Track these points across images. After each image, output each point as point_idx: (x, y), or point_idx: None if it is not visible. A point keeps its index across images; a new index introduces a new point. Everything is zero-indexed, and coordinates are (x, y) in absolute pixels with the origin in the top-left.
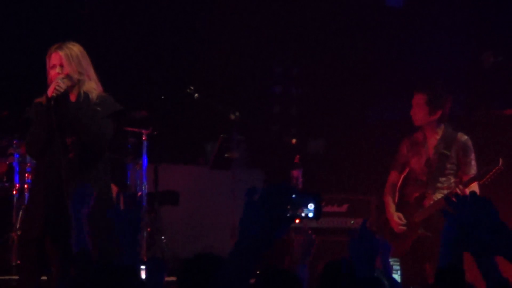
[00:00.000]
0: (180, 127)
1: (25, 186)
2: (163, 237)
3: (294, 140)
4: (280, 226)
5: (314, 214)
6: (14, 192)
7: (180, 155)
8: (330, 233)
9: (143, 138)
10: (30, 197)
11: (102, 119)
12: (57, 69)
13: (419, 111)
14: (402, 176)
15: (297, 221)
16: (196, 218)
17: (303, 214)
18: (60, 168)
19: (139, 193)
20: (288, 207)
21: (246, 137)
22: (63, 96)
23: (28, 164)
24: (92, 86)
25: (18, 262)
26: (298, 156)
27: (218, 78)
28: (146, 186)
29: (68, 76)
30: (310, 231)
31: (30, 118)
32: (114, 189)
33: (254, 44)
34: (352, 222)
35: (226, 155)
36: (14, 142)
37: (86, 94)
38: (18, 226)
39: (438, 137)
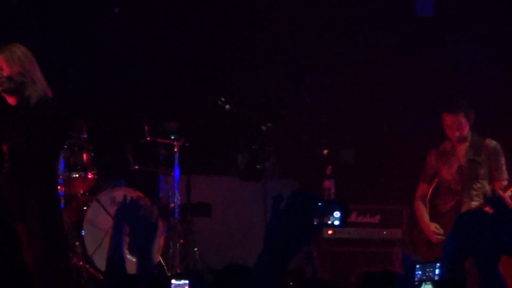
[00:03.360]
0: (212, 138)
1: None
2: (196, 249)
3: (325, 151)
4: (306, 234)
5: (340, 222)
6: None
7: (212, 166)
8: (362, 244)
9: (175, 150)
10: None
11: (40, 124)
12: None
13: (461, 130)
14: (431, 187)
15: (329, 232)
16: (228, 229)
17: (329, 222)
18: None
19: (172, 205)
20: (314, 215)
21: (278, 148)
22: None
23: (61, 177)
24: (36, 89)
25: None
26: (329, 166)
27: (249, 89)
28: (179, 197)
29: (8, 80)
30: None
31: None
32: (147, 201)
33: (285, 55)
34: (384, 232)
35: (257, 166)
36: None
37: (27, 98)
38: None
39: (467, 144)
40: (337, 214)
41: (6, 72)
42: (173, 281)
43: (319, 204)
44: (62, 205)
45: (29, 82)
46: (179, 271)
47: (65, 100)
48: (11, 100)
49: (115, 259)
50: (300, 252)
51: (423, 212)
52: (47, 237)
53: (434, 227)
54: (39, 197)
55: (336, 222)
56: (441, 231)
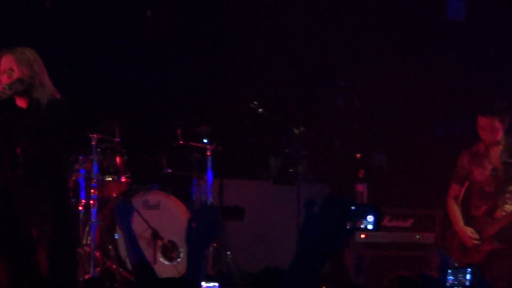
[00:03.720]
0: (245, 142)
1: (91, 202)
2: (229, 252)
3: (358, 155)
4: (339, 238)
5: (374, 226)
6: (80, 208)
7: (244, 170)
8: (395, 248)
9: (208, 154)
10: None
11: (53, 126)
12: (7, 74)
13: (494, 134)
14: (463, 189)
15: (362, 236)
16: (261, 233)
17: (362, 226)
18: (7, 182)
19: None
20: (347, 219)
21: (310, 152)
22: (7, 103)
23: (94, 180)
24: (45, 92)
25: (86, 277)
26: (362, 170)
27: (282, 93)
28: (211, 201)
29: (19, 81)
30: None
31: None
32: (181, 205)
33: (318, 58)
34: (417, 236)
35: (290, 169)
36: (80, 158)
37: (37, 101)
38: (84, 241)
39: (501, 147)
40: (370, 218)
41: (16, 74)
42: (203, 283)
43: (353, 208)
44: (95, 209)
45: (38, 84)
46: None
47: (99, 103)
48: (21, 103)
49: (143, 264)
50: (333, 256)
51: (458, 215)
52: (59, 240)
53: (470, 231)
54: (51, 200)
55: (370, 226)
56: (477, 236)
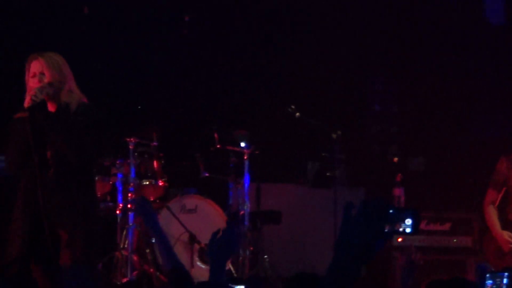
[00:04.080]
0: (282, 146)
1: (128, 205)
2: (265, 256)
3: (395, 159)
4: (377, 241)
5: (412, 230)
6: (118, 212)
7: (281, 174)
8: (433, 252)
9: (245, 158)
10: (12, 215)
11: (82, 130)
12: (38, 78)
13: None
14: (500, 195)
15: (399, 239)
16: (298, 236)
17: (400, 229)
18: (38, 184)
19: (241, 212)
20: (386, 222)
21: (347, 156)
22: (39, 107)
23: (131, 184)
24: (73, 97)
25: (123, 281)
26: (399, 174)
27: (319, 97)
28: (248, 205)
29: (49, 85)
30: (413, 251)
31: (9, 133)
32: (218, 209)
33: (355, 62)
34: (454, 240)
35: (327, 173)
36: (117, 162)
37: (66, 104)
38: (122, 245)
39: None
40: (408, 221)
41: (47, 78)
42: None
43: (391, 211)
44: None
45: (67, 89)
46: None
47: (136, 108)
48: (50, 107)
49: (178, 269)
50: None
51: (495, 219)
52: (85, 243)
53: (507, 235)
54: (79, 203)
55: (408, 230)
56: None
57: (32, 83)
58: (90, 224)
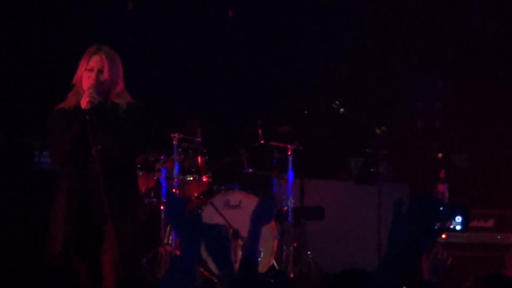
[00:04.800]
0: (325, 142)
1: None
2: (309, 252)
3: (439, 155)
4: (427, 238)
5: (462, 227)
6: (162, 207)
7: (325, 170)
8: (477, 249)
9: (288, 153)
10: (52, 210)
11: (130, 128)
12: (95, 74)
13: None
14: None
15: (443, 236)
16: (341, 233)
17: (451, 227)
18: (83, 179)
19: (285, 208)
20: (436, 219)
21: (391, 152)
22: (98, 108)
23: (175, 180)
24: (122, 95)
25: None
26: (443, 170)
27: (363, 93)
28: (292, 201)
29: (103, 83)
30: (440, 249)
31: (51, 127)
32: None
33: (398, 59)
34: (499, 237)
35: (371, 169)
36: (161, 157)
37: (115, 103)
38: (166, 241)
39: None
40: (458, 218)
41: (104, 76)
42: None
43: (441, 208)
44: None
45: (118, 89)
46: (292, 275)
47: (180, 103)
48: (101, 103)
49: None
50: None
51: None
52: (128, 239)
53: None
54: (125, 199)
55: (458, 227)
56: None
57: (87, 77)
58: (134, 220)
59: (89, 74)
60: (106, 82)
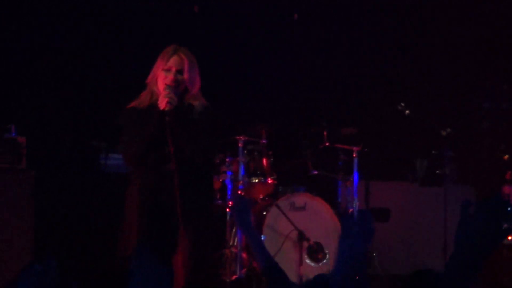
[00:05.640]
0: (391, 143)
1: None
2: (374, 254)
3: (506, 156)
4: (495, 239)
5: None
6: (227, 210)
7: (390, 171)
8: None
9: (354, 155)
10: (125, 210)
11: (205, 131)
12: (173, 74)
13: None
14: None
15: (509, 237)
16: (407, 234)
17: None
18: (157, 179)
19: (350, 210)
20: (504, 220)
21: (457, 153)
22: (176, 110)
23: (241, 182)
24: (197, 98)
25: (232, 278)
26: (509, 172)
27: (428, 94)
28: (357, 203)
29: (180, 83)
30: None
31: (123, 125)
32: (327, 207)
33: (464, 59)
34: None
35: (437, 171)
36: (227, 160)
37: (191, 105)
38: (231, 243)
39: None
40: None
41: (183, 77)
42: None
43: (509, 208)
44: None
45: (194, 91)
46: (357, 278)
47: (246, 105)
48: (178, 104)
49: (274, 268)
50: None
51: None
52: (202, 241)
53: None
54: (199, 201)
55: None
56: None
57: (164, 77)
58: (207, 222)
59: (166, 74)
60: (183, 83)
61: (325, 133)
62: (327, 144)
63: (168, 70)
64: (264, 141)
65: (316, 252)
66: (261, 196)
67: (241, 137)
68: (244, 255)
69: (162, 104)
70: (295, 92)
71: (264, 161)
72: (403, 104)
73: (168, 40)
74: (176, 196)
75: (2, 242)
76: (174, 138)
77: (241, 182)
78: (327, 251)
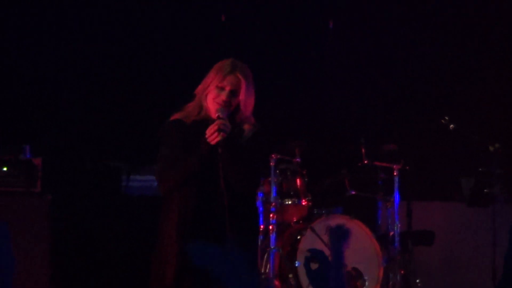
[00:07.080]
0: (434, 160)
1: (270, 227)
2: (418, 280)
3: None
4: None
5: None
6: (259, 234)
7: (434, 191)
8: None
9: (394, 174)
10: (161, 238)
11: (254, 158)
12: (227, 94)
13: None
14: None
15: None
16: (453, 258)
17: None
18: (199, 200)
19: (391, 233)
20: None
21: (506, 171)
22: (229, 139)
23: (273, 204)
24: (247, 119)
25: None
26: None
27: (474, 107)
28: (399, 225)
29: (231, 104)
30: None
31: (164, 140)
32: (366, 230)
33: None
34: None
35: (485, 190)
36: None
37: (241, 130)
38: (263, 270)
39: None
40: None
41: (236, 99)
42: None
43: None
44: (274, 235)
45: (247, 113)
46: None
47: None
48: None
49: None
50: None
51: None
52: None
53: None
54: (245, 228)
55: None
56: None
57: (215, 95)
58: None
59: (219, 92)
60: (236, 104)
61: (363, 150)
62: (365, 162)
63: (222, 88)
64: (297, 159)
65: (354, 279)
66: (295, 219)
67: (273, 155)
68: (276, 282)
69: (212, 138)
70: (330, 107)
71: (298, 181)
72: (447, 118)
73: (197, 53)
74: (226, 218)
75: (17, 272)
76: (225, 170)
77: (273, 204)
78: (366, 278)
